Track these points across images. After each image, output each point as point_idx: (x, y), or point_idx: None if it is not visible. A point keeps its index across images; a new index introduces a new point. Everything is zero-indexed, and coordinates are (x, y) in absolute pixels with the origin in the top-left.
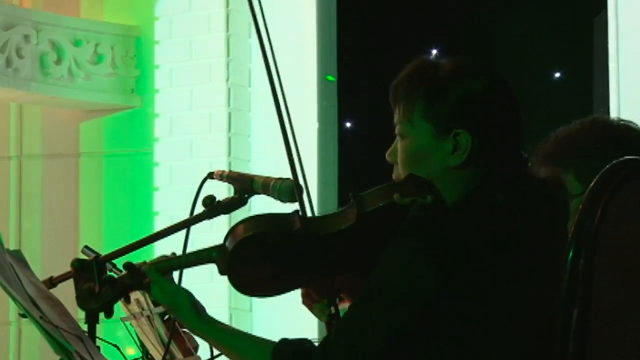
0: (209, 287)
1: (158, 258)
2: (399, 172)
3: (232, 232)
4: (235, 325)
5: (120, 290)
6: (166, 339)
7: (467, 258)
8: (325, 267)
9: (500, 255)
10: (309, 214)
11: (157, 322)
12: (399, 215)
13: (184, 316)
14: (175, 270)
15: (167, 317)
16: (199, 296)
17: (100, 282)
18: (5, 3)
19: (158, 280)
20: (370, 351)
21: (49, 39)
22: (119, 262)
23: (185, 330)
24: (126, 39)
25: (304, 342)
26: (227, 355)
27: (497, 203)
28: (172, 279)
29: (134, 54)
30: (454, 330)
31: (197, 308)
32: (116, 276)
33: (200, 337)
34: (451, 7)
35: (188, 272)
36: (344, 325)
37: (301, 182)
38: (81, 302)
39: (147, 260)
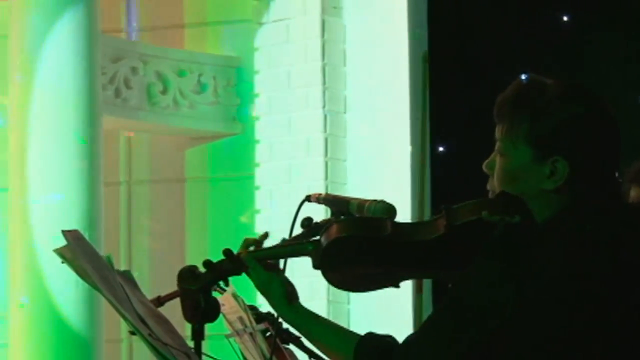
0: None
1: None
2: (494, 185)
3: (327, 229)
4: (332, 317)
5: (219, 274)
6: (268, 355)
7: (545, 282)
8: (410, 271)
9: (577, 283)
10: None
11: (259, 339)
12: (485, 231)
13: (274, 302)
14: (272, 259)
15: (268, 333)
16: (298, 289)
17: (203, 265)
18: (114, 37)
19: (254, 266)
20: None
21: (155, 70)
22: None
23: (286, 346)
24: (227, 69)
25: (387, 338)
26: (313, 343)
27: (584, 231)
28: (278, 268)
29: (235, 83)
30: (523, 352)
31: (288, 296)
32: (220, 295)
33: (290, 323)
34: (541, 30)
35: (288, 265)
36: (425, 329)
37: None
38: (182, 281)
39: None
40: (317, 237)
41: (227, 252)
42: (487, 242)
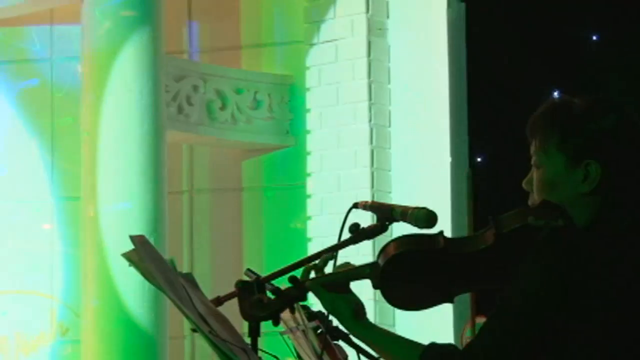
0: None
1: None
2: (534, 199)
3: (384, 250)
4: (378, 316)
5: (286, 301)
6: (319, 350)
7: (589, 278)
8: (466, 282)
9: (621, 278)
10: None
11: (311, 336)
12: (533, 235)
13: (343, 320)
14: (334, 283)
15: (319, 331)
16: None
17: (271, 292)
18: (177, 57)
19: (319, 292)
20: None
21: (214, 88)
22: (278, 282)
23: (335, 342)
24: (281, 86)
25: (449, 346)
26: (380, 355)
27: (621, 228)
28: (345, 288)
29: (288, 100)
30: (568, 343)
31: (355, 313)
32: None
33: (358, 338)
34: (580, 50)
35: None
36: (484, 332)
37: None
38: (252, 310)
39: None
40: (375, 260)
41: (293, 280)
42: (535, 243)
